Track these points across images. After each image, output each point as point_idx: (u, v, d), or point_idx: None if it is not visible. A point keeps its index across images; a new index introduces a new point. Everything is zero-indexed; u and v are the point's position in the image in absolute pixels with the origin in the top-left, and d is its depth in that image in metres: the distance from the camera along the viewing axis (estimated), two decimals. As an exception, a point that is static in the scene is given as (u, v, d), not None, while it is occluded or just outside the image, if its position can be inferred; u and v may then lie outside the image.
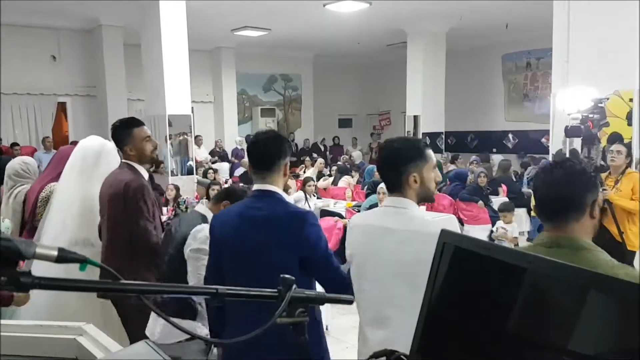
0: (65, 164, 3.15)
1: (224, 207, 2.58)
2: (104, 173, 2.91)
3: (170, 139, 8.78)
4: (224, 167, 11.35)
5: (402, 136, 2.02)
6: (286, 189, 2.69)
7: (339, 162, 11.50)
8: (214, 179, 7.95)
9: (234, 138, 13.39)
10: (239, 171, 10.79)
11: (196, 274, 2.43)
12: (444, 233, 1.07)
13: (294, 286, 0.94)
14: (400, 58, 12.43)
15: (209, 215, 2.61)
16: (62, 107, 11.45)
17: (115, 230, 2.74)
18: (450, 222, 1.78)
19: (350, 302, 1.03)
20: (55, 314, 2.53)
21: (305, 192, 7.18)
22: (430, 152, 1.90)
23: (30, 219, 3.20)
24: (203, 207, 2.74)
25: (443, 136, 12.05)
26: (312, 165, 10.69)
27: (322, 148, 14.72)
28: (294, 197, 7.15)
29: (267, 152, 2.03)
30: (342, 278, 1.93)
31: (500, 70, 13.57)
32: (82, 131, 10.62)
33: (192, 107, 9.67)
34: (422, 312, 1.08)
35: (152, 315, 2.58)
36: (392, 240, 1.79)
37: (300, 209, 2.03)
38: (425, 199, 1.92)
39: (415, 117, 11.86)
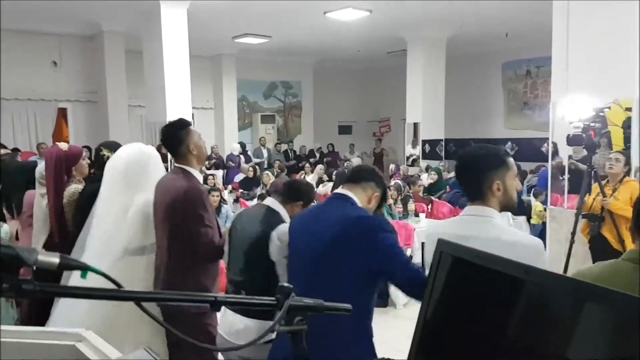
0: (60, 165, 3.14)
1: (299, 207, 2.56)
2: (153, 179, 2.82)
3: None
4: (218, 174, 11.36)
5: (482, 144, 2.04)
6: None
7: (336, 169, 11.51)
8: (214, 185, 7.95)
9: (234, 144, 13.43)
10: (239, 177, 10.79)
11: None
12: (440, 242, 1.08)
13: (292, 294, 0.94)
14: (401, 65, 12.47)
15: (282, 212, 2.56)
16: (62, 113, 11.46)
17: (175, 238, 2.63)
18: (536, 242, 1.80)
19: (348, 312, 1.03)
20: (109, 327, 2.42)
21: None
22: (512, 160, 1.89)
23: (58, 225, 3.16)
24: (271, 200, 2.65)
25: (443, 143, 12.07)
26: (312, 171, 10.70)
27: (318, 155, 14.73)
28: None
29: (363, 172, 2.12)
30: (421, 277, 1.77)
31: (500, 78, 13.60)
32: (82, 137, 10.65)
33: (193, 113, 9.70)
34: (419, 321, 1.09)
35: (226, 318, 2.50)
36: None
37: (374, 218, 1.99)
38: (507, 207, 1.88)
39: (415, 124, 11.89)
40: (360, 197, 2.03)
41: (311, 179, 9.93)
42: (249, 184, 10.04)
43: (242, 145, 13.07)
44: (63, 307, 2.66)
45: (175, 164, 2.75)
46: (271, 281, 2.26)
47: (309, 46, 13.02)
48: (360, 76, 16.59)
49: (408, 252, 5.76)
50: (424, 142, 11.94)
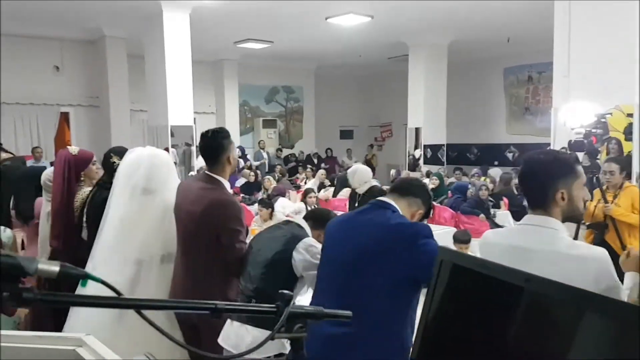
0: (69, 169, 3.13)
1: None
2: (172, 186, 2.78)
3: (174, 148, 8.83)
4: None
5: (550, 149, 1.98)
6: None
7: (334, 174, 11.51)
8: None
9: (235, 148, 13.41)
10: (240, 182, 10.80)
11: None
12: (442, 250, 1.08)
13: (293, 301, 0.95)
14: (402, 70, 12.48)
15: (307, 228, 2.52)
16: (64, 117, 11.49)
17: (206, 249, 2.56)
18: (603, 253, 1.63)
19: (348, 318, 1.02)
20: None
21: (306, 203, 7.18)
22: (580, 168, 1.77)
23: (64, 230, 3.15)
24: (299, 218, 2.64)
25: (444, 148, 12.07)
26: (314, 176, 10.70)
27: (316, 160, 14.73)
28: (295, 209, 7.15)
29: (412, 185, 2.12)
30: None
31: (502, 83, 13.61)
32: (84, 142, 10.66)
33: (195, 118, 9.72)
34: (419, 327, 1.09)
35: (235, 331, 2.43)
36: (539, 262, 1.59)
37: (415, 224, 1.96)
38: (571, 218, 1.79)
39: (417, 129, 11.89)
40: (404, 210, 2.00)
41: (312, 183, 9.93)
42: (250, 188, 10.05)
43: (242, 149, 13.08)
44: (77, 312, 2.64)
45: (206, 172, 2.67)
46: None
47: (310, 51, 13.05)
48: (362, 81, 16.62)
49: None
50: (426, 147, 11.93)
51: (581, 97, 5.26)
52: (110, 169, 3.06)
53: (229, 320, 2.45)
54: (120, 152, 3.12)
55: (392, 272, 1.80)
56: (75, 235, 3.17)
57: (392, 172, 11.84)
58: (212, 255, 2.55)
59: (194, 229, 2.59)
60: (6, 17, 8.72)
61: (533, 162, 1.79)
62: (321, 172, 10.71)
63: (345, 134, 16.91)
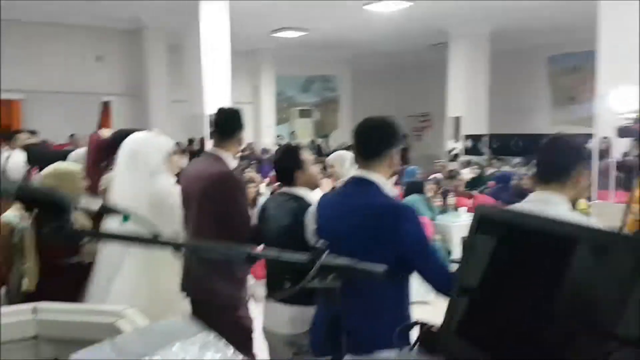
0: (100, 152, 3.14)
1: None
2: (158, 164, 2.74)
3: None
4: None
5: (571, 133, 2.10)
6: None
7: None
8: (250, 177, 7.95)
9: (270, 139, 13.43)
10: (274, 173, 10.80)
11: None
12: (479, 208, 1.00)
13: (326, 253, 0.95)
14: (441, 58, 12.21)
15: (306, 196, 2.45)
16: (106, 107, 11.71)
17: (210, 225, 2.54)
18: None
19: (381, 275, 0.99)
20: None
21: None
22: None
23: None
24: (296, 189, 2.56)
25: (486, 139, 11.77)
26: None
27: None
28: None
29: (374, 138, 1.92)
30: (448, 275, 1.72)
31: (546, 72, 13.18)
32: (124, 131, 10.83)
33: (231, 108, 9.74)
34: (454, 288, 1.03)
35: (273, 310, 2.41)
36: None
37: (399, 202, 1.91)
38: (575, 199, 1.93)
39: (457, 119, 11.62)
40: (380, 169, 1.88)
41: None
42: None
43: (278, 138, 13.10)
44: (99, 286, 2.64)
45: (210, 150, 2.68)
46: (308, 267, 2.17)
47: (347, 40, 12.90)
48: (400, 70, 16.35)
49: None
50: (466, 137, 11.67)
51: (627, 83, 5.07)
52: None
53: (266, 301, 2.46)
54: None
55: (381, 254, 1.70)
56: (98, 219, 3.18)
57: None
58: (217, 230, 2.52)
59: (195, 206, 2.59)
60: (49, 7, 8.92)
61: (562, 139, 1.97)
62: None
63: (383, 124, 16.69)
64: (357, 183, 1.92)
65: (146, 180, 2.72)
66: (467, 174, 8.95)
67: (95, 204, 0.88)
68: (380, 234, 1.77)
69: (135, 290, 2.51)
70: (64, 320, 1.69)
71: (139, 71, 11.37)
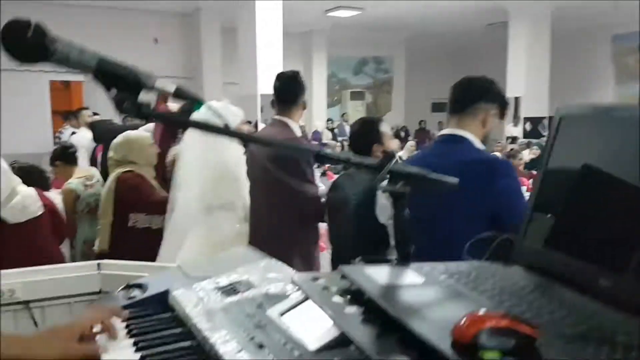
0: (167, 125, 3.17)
1: None
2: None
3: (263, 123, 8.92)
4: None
5: None
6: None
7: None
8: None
9: (322, 122, 13.37)
10: (327, 153, 10.76)
11: None
12: (560, 108, 0.92)
13: (396, 158, 0.87)
14: (499, 39, 11.78)
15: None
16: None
17: (278, 195, 2.54)
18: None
19: (454, 187, 0.95)
20: None
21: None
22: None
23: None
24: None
25: (546, 121, 11.30)
26: (402, 148, 10.44)
27: (403, 134, 14.30)
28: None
29: (468, 90, 1.84)
30: None
31: (610, 51, 12.51)
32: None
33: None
34: (532, 195, 0.96)
35: None
36: None
37: (495, 156, 1.84)
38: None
39: (517, 100, 11.18)
40: (472, 126, 1.77)
41: (402, 155, 9.72)
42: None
43: (329, 122, 13.04)
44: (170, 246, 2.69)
45: (276, 117, 2.63)
46: (378, 244, 2.09)
47: (401, 19, 12.61)
48: (456, 51, 15.88)
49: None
50: (526, 119, 11.23)
51: None
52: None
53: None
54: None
55: (471, 211, 1.62)
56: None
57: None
58: (284, 201, 2.49)
59: (263, 174, 2.54)
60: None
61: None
62: (410, 143, 10.43)
63: (438, 107, 16.28)
64: (446, 140, 1.81)
65: (217, 148, 2.73)
66: (527, 155, 8.73)
67: (170, 86, 0.85)
68: (474, 191, 1.62)
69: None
70: (126, 275, 1.71)
71: (194, 53, 11.52)
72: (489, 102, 1.79)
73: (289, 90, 2.61)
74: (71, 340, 0.92)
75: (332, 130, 13.07)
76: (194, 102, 0.87)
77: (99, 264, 1.88)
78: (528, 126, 11.22)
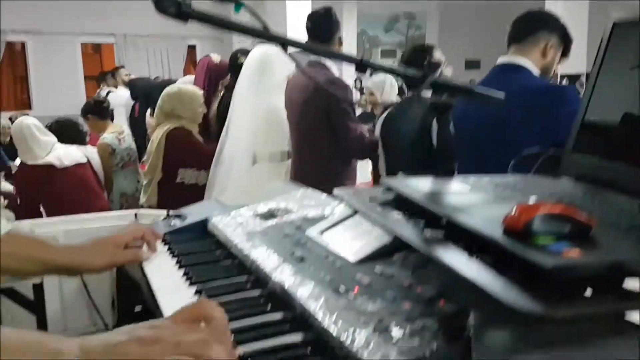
0: (210, 75, 3.17)
1: None
2: (281, 81, 2.69)
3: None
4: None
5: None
6: None
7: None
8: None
9: (350, 81, 13.17)
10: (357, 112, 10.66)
11: None
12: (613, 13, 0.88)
13: (440, 71, 0.86)
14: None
15: None
16: (191, 51, 11.97)
17: (319, 134, 2.47)
18: None
19: (502, 102, 0.92)
20: None
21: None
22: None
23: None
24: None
25: (584, 78, 10.88)
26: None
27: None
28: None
29: (529, 19, 1.83)
30: None
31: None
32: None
33: (312, 47, 9.62)
34: (581, 106, 0.95)
35: None
36: None
37: (556, 84, 1.80)
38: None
39: (553, 56, 10.80)
40: (532, 55, 1.74)
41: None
42: (365, 119, 9.87)
43: (356, 82, 12.82)
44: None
45: (312, 58, 2.53)
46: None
47: (434, -27, 12.20)
48: (492, 6, 15.31)
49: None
50: (562, 77, 10.82)
51: None
52: (237, 69, 3.00)
53: None
54: (247, 52, 3.05)
55: (531, 141, 1.54)
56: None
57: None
58: (326, 139, 2.44)
59: (303, 114, 2.50)
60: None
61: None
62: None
63: (471, 65, 15.85)
64: (504, 69, 1.76)
65: (268, 94, 2.71)
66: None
67: None
68: (536, 121, 1.58)
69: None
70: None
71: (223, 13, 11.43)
72: (550, 32, 1.74)
73: (323, 28, 2.53)
74: (118, 248, 1.02)
75: (361, 90, 12.88)
76: (235, 3, 0.84)
77: (136, 214, 1.93)
78: (565, 82, 10.84)
